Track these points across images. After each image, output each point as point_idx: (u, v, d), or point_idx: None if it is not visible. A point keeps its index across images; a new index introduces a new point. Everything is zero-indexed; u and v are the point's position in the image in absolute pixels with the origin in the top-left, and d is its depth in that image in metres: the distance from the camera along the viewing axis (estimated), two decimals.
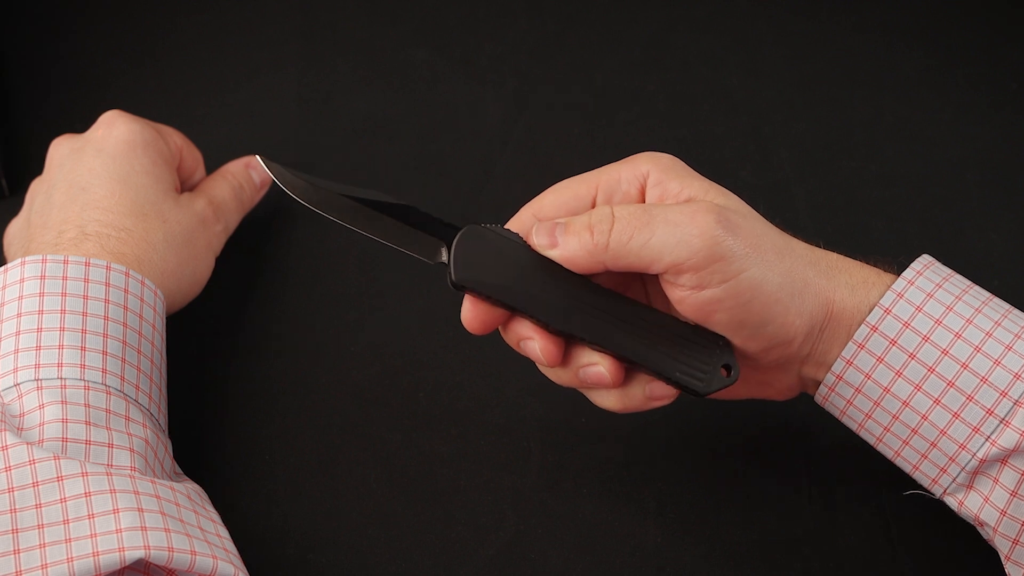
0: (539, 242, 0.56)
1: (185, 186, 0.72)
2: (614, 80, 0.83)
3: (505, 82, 0.83)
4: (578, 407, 0.67)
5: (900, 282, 0.56)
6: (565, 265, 0.56)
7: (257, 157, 0.62)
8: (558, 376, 0.58)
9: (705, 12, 0.86)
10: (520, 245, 0.56)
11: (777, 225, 0.58)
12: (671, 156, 0.58)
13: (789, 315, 0.55)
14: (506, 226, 0.58)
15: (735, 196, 0.57)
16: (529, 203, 0.58)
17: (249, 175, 0.73)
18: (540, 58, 0.84)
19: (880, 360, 0.55)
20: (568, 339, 0.57)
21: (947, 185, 0.78)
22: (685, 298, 0.54)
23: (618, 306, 0.56)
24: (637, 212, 0.54)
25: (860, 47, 0.84)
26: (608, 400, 0.58)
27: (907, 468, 0.57)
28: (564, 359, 0.57)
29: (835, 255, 0.58)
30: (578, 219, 0.55)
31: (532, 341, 0.57)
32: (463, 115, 0.81)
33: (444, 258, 0.57)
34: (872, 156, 0.79)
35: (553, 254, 0.56)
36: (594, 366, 0.56)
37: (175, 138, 0.70)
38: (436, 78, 0.83)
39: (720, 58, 0.84)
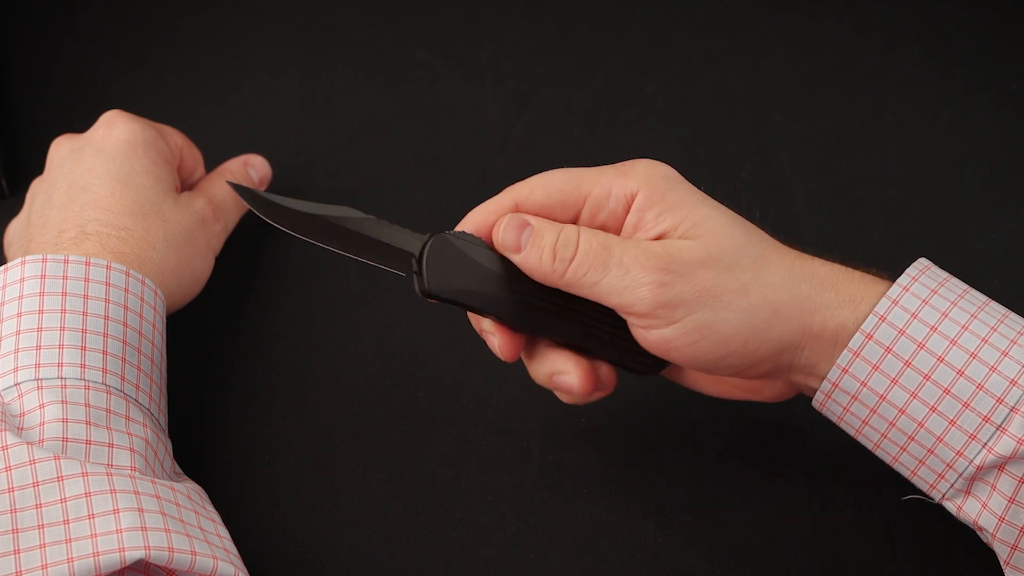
0: (504, 237, 0.57)
1: (185, 186, 0.72)
2: (614, 80, 0.83)
3: (505, 82, 0.83)
4: (578, 407, 0.67)
5: (895, 288, 0.56)
6: (522, 269, 0.57)
7: (227, 183, 0.63)
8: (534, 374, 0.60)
9: (705, 12, 0.86)
10: (484, 250, 0.57)
11: (776, 228, 0.58)
12: (667, 171, 0.57)
13: (750, 346, 0.55)
14: (486, 204, 0.58)
15: (720, 220, 0.56)
16: (514, 187, 0.58)
17: (248, 173, 0.73)
18: (540, 58, 0.84)
19: (875, 368, 0.55)
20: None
21: (947, 185, 0.78)
22: (640, 336, 0.57)
23: (574, 303, 0.57)
24: (598, 249, 0.55)
25: (860, 47, 0.84)
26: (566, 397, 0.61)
27: (905, 473, 0.57)
28: (531, 356, 0.60)
29: (828, 267, 0.57)
30: (547, 233, 0.56)
31: (493, 336, 0.59)
32: (463, 115, 0.81)
33: (415, 268, 0.57)
34: (872, 156, 0.79)
35: (515, 258, 0.57)
36: (565, 375, 0.59)
37: (175, 138, 0.70)
38: (436, 78, 0.83)
39: (720, 58, 0.84)
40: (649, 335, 0.56)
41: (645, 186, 0.56)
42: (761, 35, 0.85)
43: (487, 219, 0.58)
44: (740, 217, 0.57)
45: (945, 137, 0.80)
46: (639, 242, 0.55)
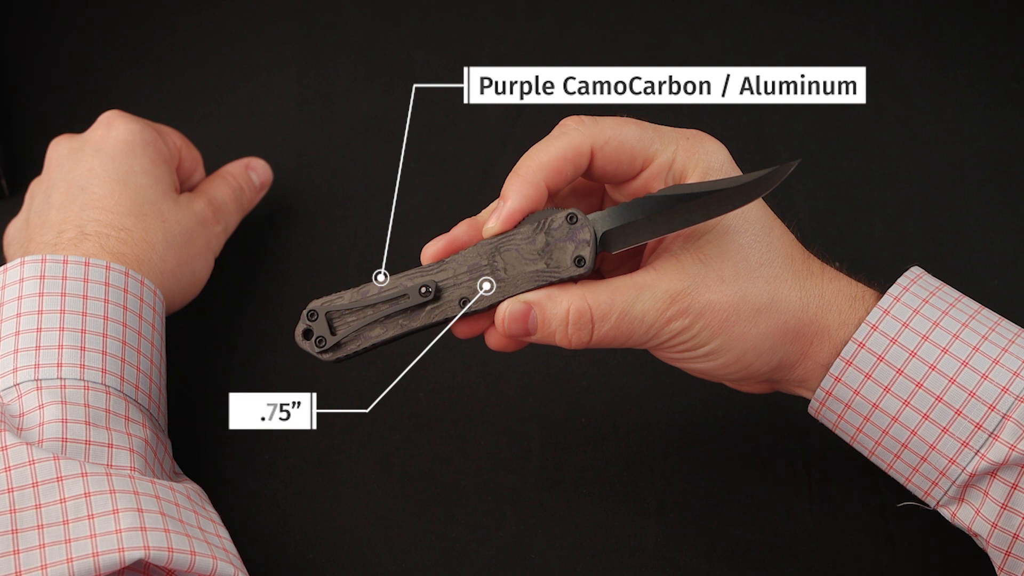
0: (511, 328, 0.55)
1: (184, 186, 0.72)
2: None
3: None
4: (578, 407, 0.67)
5: (886, 298, 0.56)
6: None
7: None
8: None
9: (705, 12, 0.86)
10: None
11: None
12: (723, 161, 0.56)
13: (752, 367, 0.56)
14: (554, 146, 0.57)
15: (743, 237, 0.56)
16: (588, 126, 0.56)
17: (249, 176, 0.73)
18: (540, 58, 0.84)
19: (868, 376, 0.55)
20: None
21: (947, 185, 0.78)
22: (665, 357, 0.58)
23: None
24: (615, 322, 0.54)
25: (860, 47, 0.84)
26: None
27: (900, 480, 0.58)
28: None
29: (835, 282, 0.57)
30: (555, 315, 0.55)
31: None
32: (463, 115, 0.81)
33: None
34: (872, 156, 0.79)
35: (530, 339, 0.56)
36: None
37: (174, 138, 0.70)
38: (436, 78, 0.83)
39: (720, 58, 0.84)
40: (654, 352, 0.57)
41: (698, 178, 0.56)
42: (761, 35, 0.85)
43: (565, 154, 0.56)
44: (766, 227, 0.56)
45: (945, 137, 0.80)
46: (645, 287, 0.55)
